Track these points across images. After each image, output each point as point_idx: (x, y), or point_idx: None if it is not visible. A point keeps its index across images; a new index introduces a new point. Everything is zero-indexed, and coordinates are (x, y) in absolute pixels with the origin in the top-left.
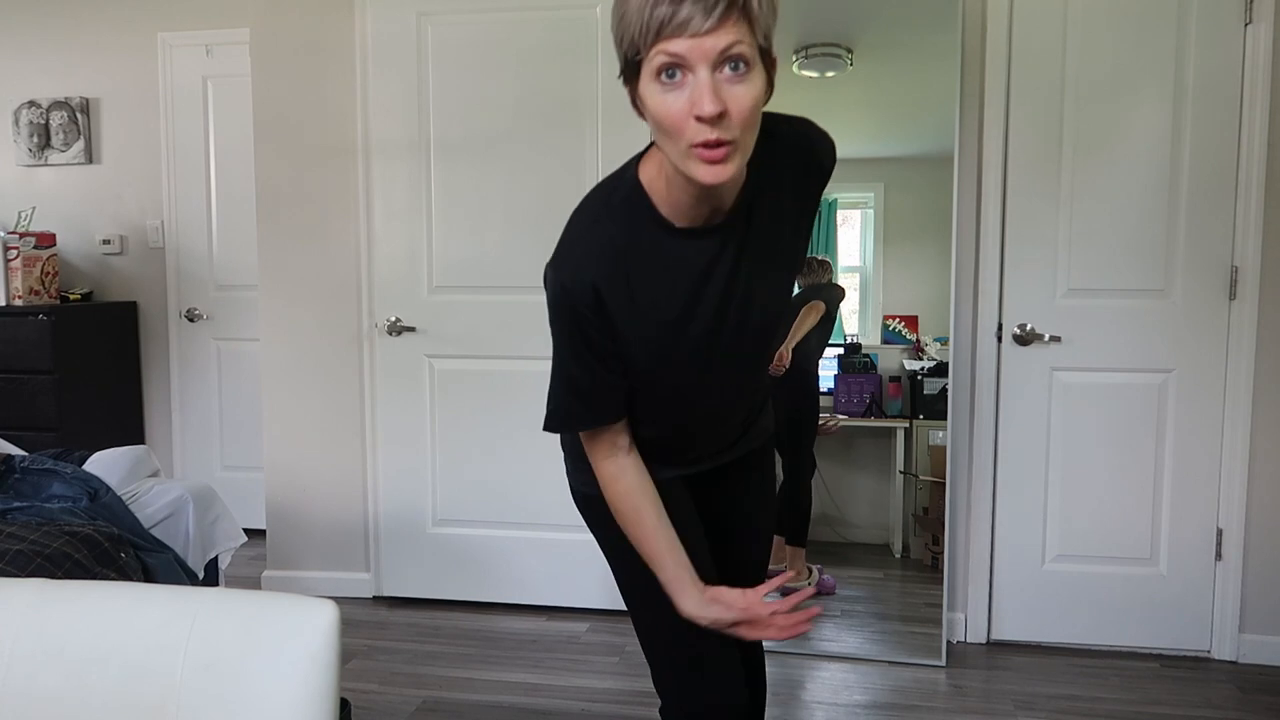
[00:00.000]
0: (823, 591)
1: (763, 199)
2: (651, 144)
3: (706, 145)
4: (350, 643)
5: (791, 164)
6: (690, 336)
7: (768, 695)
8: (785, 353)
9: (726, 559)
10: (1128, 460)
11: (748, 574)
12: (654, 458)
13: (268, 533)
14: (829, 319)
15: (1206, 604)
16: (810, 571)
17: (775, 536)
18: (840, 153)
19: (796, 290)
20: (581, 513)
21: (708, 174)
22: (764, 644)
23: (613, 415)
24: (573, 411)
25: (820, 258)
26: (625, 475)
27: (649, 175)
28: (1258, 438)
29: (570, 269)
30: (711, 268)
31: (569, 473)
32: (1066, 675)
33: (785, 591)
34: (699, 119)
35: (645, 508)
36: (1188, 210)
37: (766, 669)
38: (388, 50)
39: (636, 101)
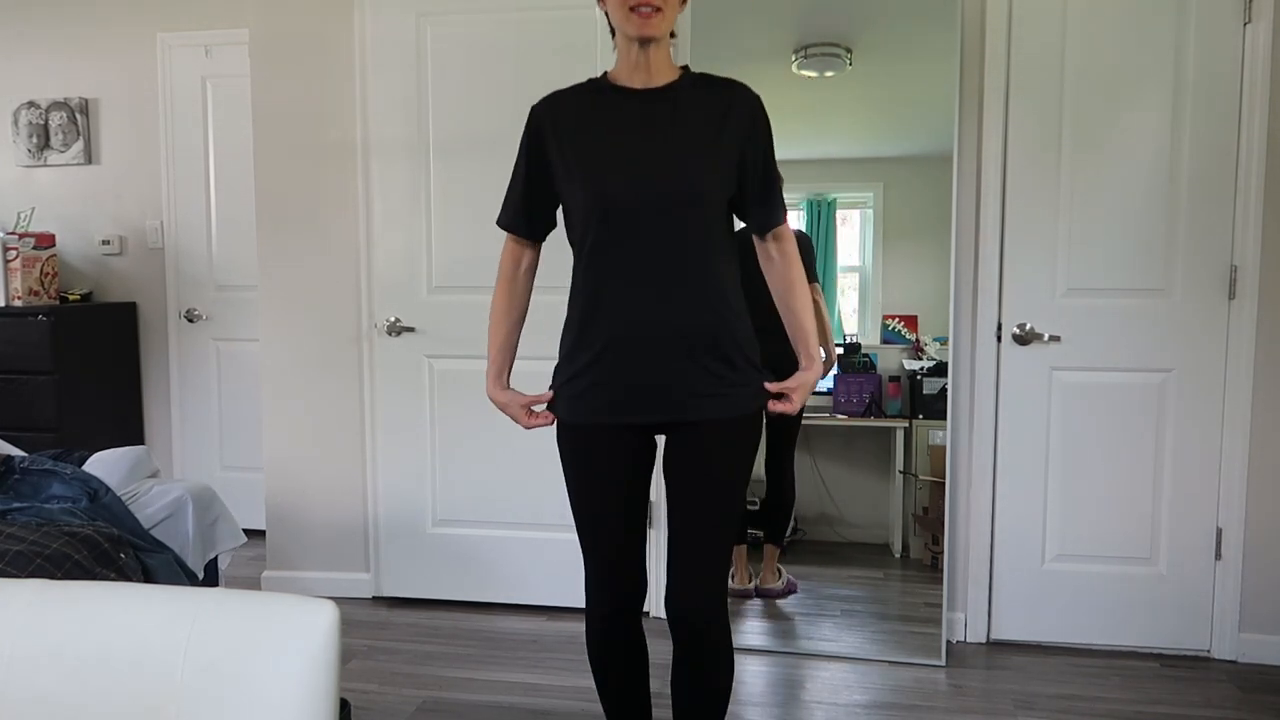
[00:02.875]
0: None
1: (690, 94)
2: None
3: (637, 8)
4: (350, 643)
5: (718, 86)
6: (618, 156)
7: (768, 693)
8: (830, 354)
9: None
10: (1127, 460)
11: (682, 545)
12: (591, 345)
13: (267, 533)
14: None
15: (1206, 603)
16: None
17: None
18: (839, 152)
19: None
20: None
21: (639, 25)
22: (759, 639)
23: (518, 225)
24: (503, 208)
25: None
26: (514, 277)
27: (612, 66)
28: (1257, 437)
29: (545, 98)
30: (638, 115)
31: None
32: (1066, 675)
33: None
34: None
35: (510, 302)
36: (1187, 209)
37: (762, 665)
38: (387, 50)
39: None
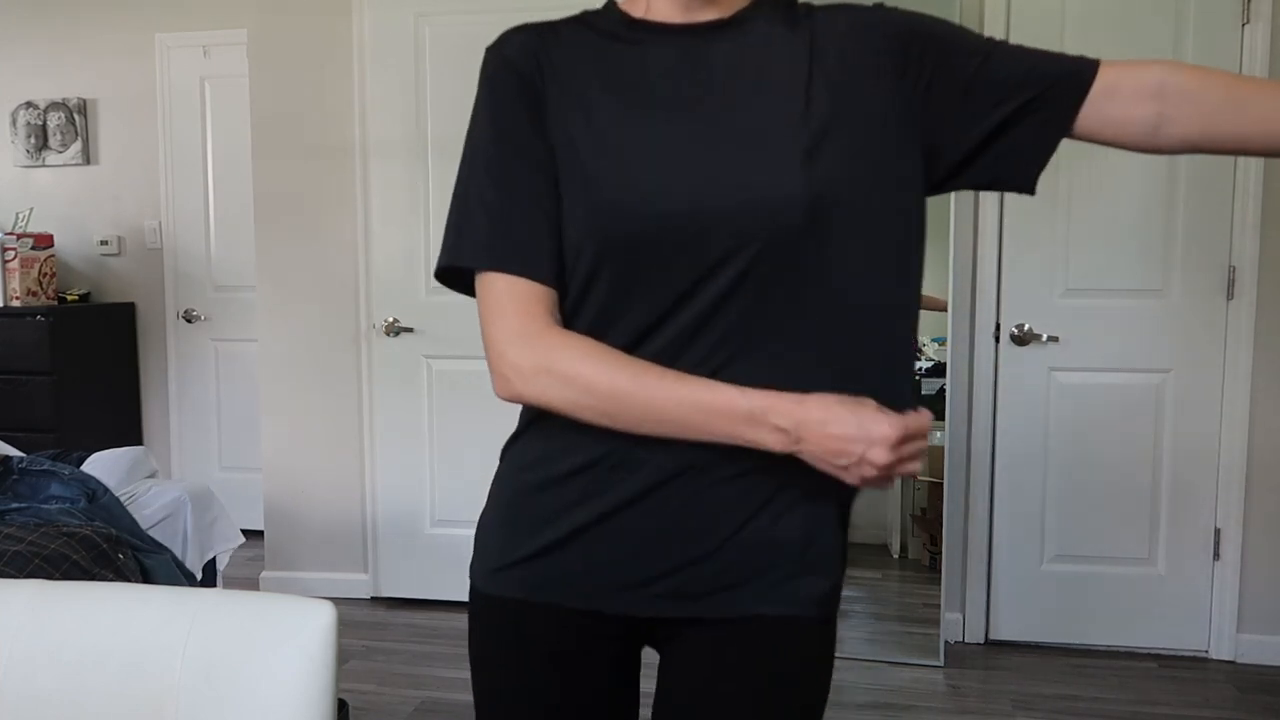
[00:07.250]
0: None
1: (778, 31)
2: None
3: None
4: (348, 644)
5: (828, 12)
6: (644, 145)
7: None
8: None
9: None
10: (1126, 460)
11: None
12: (572, 473)
13: (265, 533)
14: None
15: (1204, 604)
16: None
17: None
18: None
19: None
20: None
21: None
22: None
23: (534, 252)
24: (480, 230)
25: None
26: (579, 339)
27: None
28: (1255, 437)
29: (519, 37)
30: (684, 71)
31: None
32: (1065, 675)
33: None
34: None
35: (627, 358)
36: (1185, 210)
37: None
38: (385, 51)
39: None
